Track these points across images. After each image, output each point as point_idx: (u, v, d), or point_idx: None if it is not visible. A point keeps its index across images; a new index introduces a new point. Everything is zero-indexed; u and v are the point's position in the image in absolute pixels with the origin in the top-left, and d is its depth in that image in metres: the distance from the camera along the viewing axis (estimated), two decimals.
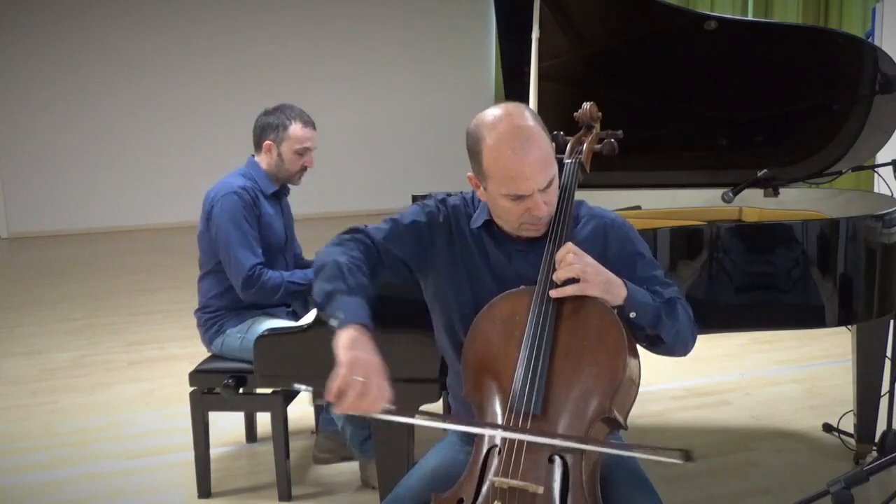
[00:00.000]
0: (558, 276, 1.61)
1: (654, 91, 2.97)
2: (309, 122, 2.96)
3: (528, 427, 1.54)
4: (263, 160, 2.96)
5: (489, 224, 1.78)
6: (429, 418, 1.60)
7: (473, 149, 1.67)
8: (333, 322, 1.57)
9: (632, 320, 1.63)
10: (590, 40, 2.94)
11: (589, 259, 1.62)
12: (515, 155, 1.60)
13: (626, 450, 1.54)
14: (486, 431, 1.59)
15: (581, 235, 1.76)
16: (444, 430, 2.02)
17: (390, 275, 1.80)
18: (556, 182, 1.68)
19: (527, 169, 1.60)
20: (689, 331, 1.73)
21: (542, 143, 1.63)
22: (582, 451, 1.53)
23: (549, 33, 2.69)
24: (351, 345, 1.52)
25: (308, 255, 3.03)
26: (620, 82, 2.95)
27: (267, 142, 2.92)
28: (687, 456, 1.44)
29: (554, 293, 1.61)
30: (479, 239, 1.79)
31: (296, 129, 2.92)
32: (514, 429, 1.54)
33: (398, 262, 1.78)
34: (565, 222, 1.72)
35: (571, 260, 1.59)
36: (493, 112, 1.66)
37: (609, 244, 1.76)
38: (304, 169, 2.98)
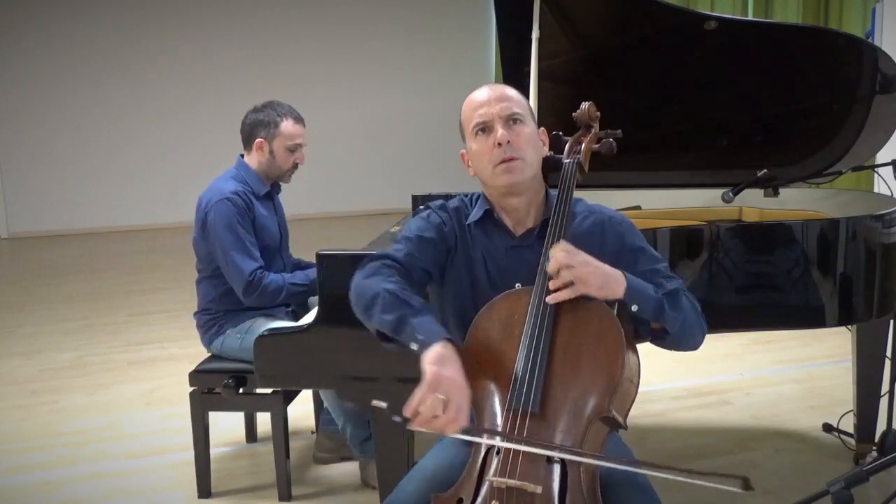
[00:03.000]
0: (553, 285, 1.61)
1: (655, 91, 2.96)
2: (299, 119, 2.94)
3: (526, 427, 1.54)
4: (254, 159, 2.93)
5: (487, 218, 1.79)
6: (500, 438, 1.56)
7: (460, 118, 1.80)
8: (413, 346, 1.56)
9: (634, 314, 1.62)
10: (590, 40, 2.94)
11: (582, 257, 1.61)
12: (479, 93, 1.77)
13: (684, 476, 1.48)
14: (494, 443, 1.56)
15: (579, 230, 1.76)
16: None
17: (421, 288, 1.80)
18: (526, 129, 1.74)
19: (484, 98, 1.74)
20: (697, 323, 1.72)
21: (508, 90, 1.76)
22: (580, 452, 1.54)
23: (549, 33, 2.69)
24: (437, 361, 1.51)
25: (308, 255, 3.03)
26: (620, 82, 2.95)
27: (258, 139, 2.90)
28: (746, 484, 1.39)
29: (550, 299, 1.61)
30: (477, 234, 1.80)
31: (287, 125, 2.90)
32: (520, 438, 1.53)
33: (424, 274, 1.78)
34: (563, 220, 1.72)
35: (562, 261, 1.58)
36: None
37: (607, 239, 1.76)
38: (295, 166, 2.96)
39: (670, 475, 1.47)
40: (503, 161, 1.71)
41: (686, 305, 1.69)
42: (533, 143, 1.74)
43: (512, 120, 1.72)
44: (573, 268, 1.59)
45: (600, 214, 1.81)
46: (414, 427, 1.49)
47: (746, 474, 1.41)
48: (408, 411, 1.48)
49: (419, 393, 1.48)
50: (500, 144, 1.70)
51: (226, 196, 2.82)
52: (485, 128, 1.73)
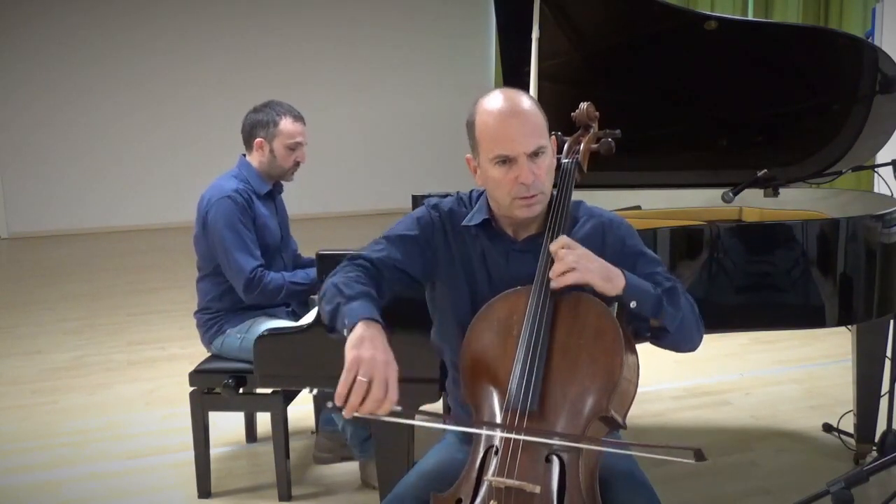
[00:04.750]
0: (554, 270, 1.60)
1: (655, 91, 2.97)
2: (299, 117, 2.95)
3: (524, 426, 1.55)
4: (255, 158, 2.94)
5: (486, 224, 1.78)
6: (430, 419, 1.58)
7: (469, 123, 1.73)
8: (345, 333, 1.56)
9: (633, 311, 1.63)
10: (590, 40, 2.94)
11: (583, 250, 1.61)
12: (502, 117, 1.67)
13: (638, 450, 1.53)
14: (487, 432, 1.59)
15: (579, 235, 1.75)
16: (444, 430, 2.01)
17: (398, 287, 1.79)
18: (548, 159, 1.69)
19: (511, 130, 1.65)
20: (694, 322, 1.72)
21: (532, 114, 1.67)
22: (579, 451, 1.54)
23: (549, 33, 2.69)
24: (356, 343, 1.51)
25: (308, 255, 3.03)
26: (620, 82, 2.95)
27: (258, 139, 2.90)
28: (699, 455, 1.42)
29: (555, 283, 1.60)
30: (476, 239, 1.79)
31: (286, 123, 2.90)
32: (513, 428, 1.54)
33: (400, 273, 1.77)
34: (562, 221, 1.72)
35: (564, 254, 1.59)
36: (490, 91, 1.74)
37: (608, 243, 1.76)
38: (296, 164, 2.96)
39: (624, 451, 1.54)
40: (524, 197, 1.68)
41: (684, 303, 1.70)
42: (551, 171, 1.71)
43: (534, 154, 1.66)
44: (576, 250, 1.60)
45: (600, 218, 1.81)
46: (348, 413, 1.47)
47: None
48: (337, 399, 1.47)
49: (341, 379, 1.47)
50: (524, 183, 1.66)
51: (227, 194, 2.82)
52: (507, 160, 1.66)
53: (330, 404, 1.50)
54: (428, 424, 1.58)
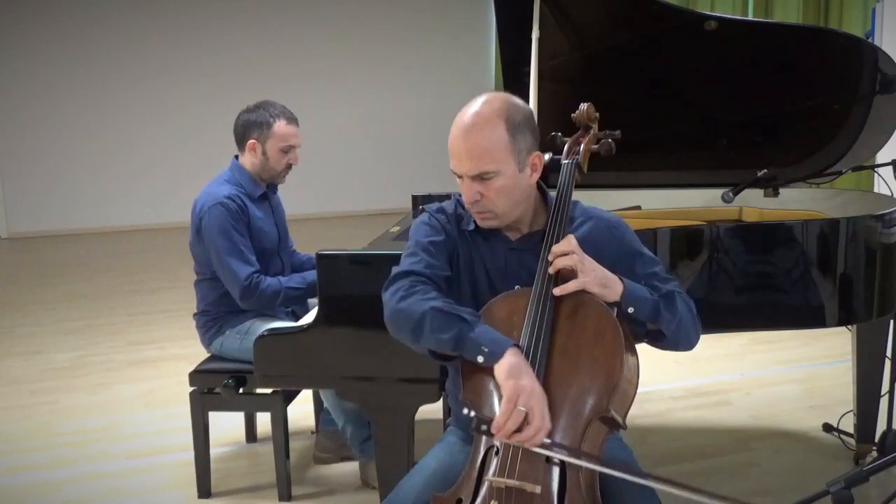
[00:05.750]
0: (556, 265, 1.61)
1: (655, 91, 2.96)
2: (293, 119, 2.91)
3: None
4: (247, 160, 2.90)
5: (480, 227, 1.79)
6: (586, 460, 1.55)
7: None
8: (479, 359, 1.56)
9: (630, 315, 1.63)
10: (590, 40, 2.94)
11: (581, 255, 1.62)
12: (455, 132, 1.67)
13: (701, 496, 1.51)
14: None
15: (577, 235, 1.75)
16: (444, 428, 2.01)
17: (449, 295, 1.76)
18: (500, 181, 1.66)
19: (457, 149, 1.67)
20: (692, 324, 1.73)
21: (488, 134, 1.64)
22: (579, 451, 1.54)
23: (549, 33, 2.69)
24: (513, 373, 1.52)
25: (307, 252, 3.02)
26: (621, 82, 2.95)
27: (251, 140, 2.87)
28: None
29: (557, 291, 1.61)
30: (474, 240, 1.79)
31: (280, 126, 2.86)
32: (550, 446, 1.52)
33: (445, 280, 1.75)
34: (562, 222, 1.72)
35: (566, 247, 1.61)
36: (478, 95, 1.71)
37: (606, 244, 1.76)
38: (289, 167, 2.93)
39: (687, 493, 1.50)
40: (477, 211, 1.71)
41: (681, 307, 1.70)
42: (507, 191, 1.68)
43: (480, 177, 1.66)
44: (577, 255, 1.60)
45: (598, 219, 1.81)
46: (499, 440, 1.51)
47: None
48: (495, 428, 1.49)
49: (503, 409, 1.49)
50: (466, 201, 1.69)
51: (219, 201, 2.79)
52: (457, 174, 1.69)
53: (485, 428, 1.52)
54: (580, 462, 1.55)
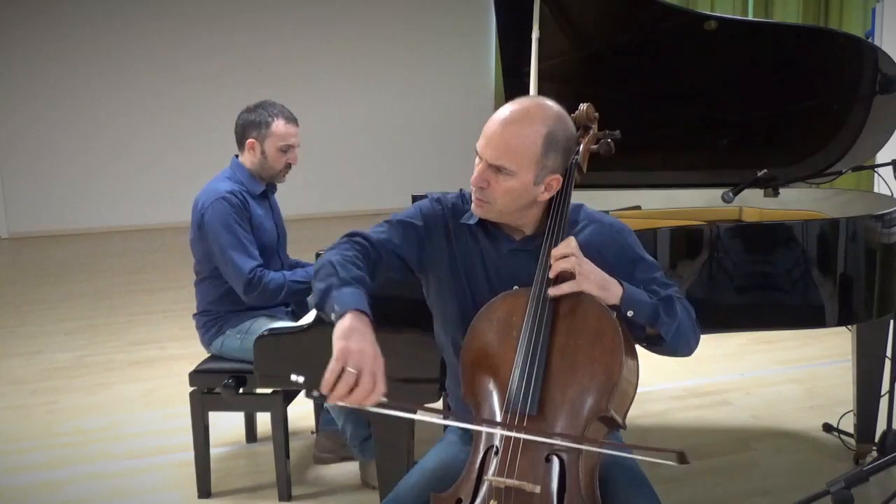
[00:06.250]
0: (555, 267, 1.61)
1: (655, 91, 2.96)
2: (291, 119, 2.93)
3: (524, 427, 1.55)
4: (247, 159, 2.92)
5: (484, 223, 1.79)
6: (424, 413, 1.58)
7: None
8: (332, 317, 1.56)
9: (629, 318, 1.64)
10: (590, 40, 2.94)
11: (581, 257, 1.63)
12: (495, 117, 1.68)
13: (623, 450, 1.54)
14: (480, 428, 1.59)
15: (579, 239, 1.75)
16: (444, 429, 2.02)
17: (392, 272, 1.79)
18: (511, 182, 1.66)
19: (489, 132, 1.67)
20: (691, 329, 1.73)
21: (526, 134, 1.65)
22: (579, 451, 1.54)
23: (549, 33, 2.69)
24: (345, 334, 1.50)
25: (308, 255, 3.03)
26: (621, 82, 2.95)
27: (250, 140, 2.88)
28: (682, 458, 1.44)
29: (553, 291, 1.61)
30: (475, 236, 1.79)
31: (279, 125, 2.88)
32: (511, 427, 1.54)
33: (396, 258, 1.77)
34: (561, 222, 1.72)
35: (566, 250, 1.61)
36: (536, 99, 1.75)
37: (607, 248, 1.76)
38: (288, 166, 2.94)
39: (610, 451, 1.55)
40: (476, 196, 1.72)
41: (680, 312, 1.70)
42: (513, 195, 1.68)
43: (496, 168, 1.66)
44: (577, 258, 1.60)
45: (601, 223, 1.81)
46: (332, 402, 1.48)
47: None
48: (324, 388, 1.47)
49: (329, 368, 1.47)
50: (472, 181, 1.70)
51: (221, 195, 2.81)
52: (477, 154, 1.69)
53: (316, 393, 1.49)
54: (422, 418, 1.57)
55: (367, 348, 1.50)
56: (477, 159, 1.69)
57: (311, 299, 1.69)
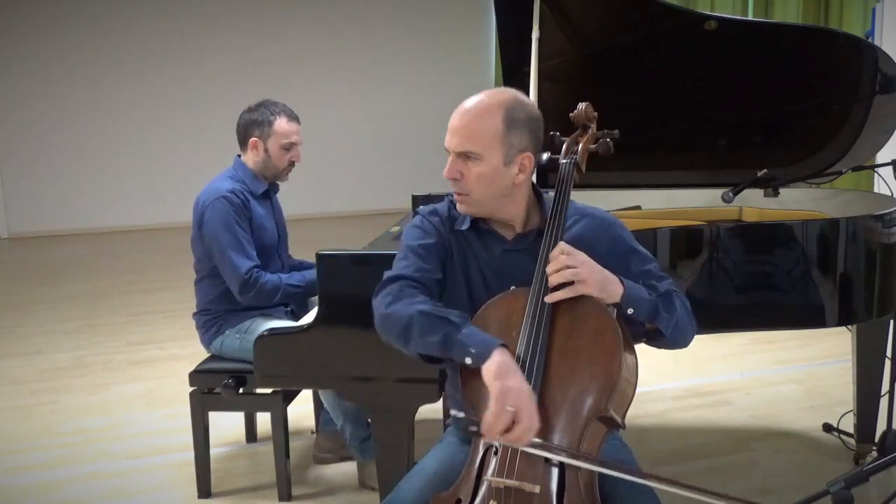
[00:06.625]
0: (552, 282, 1.61)
1: (655, 91, 2.96)
2: (293, 117, 2.93)
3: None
4: (250, 158, 2.92)
5: (475, 225, 1.79)
6: (584, 461, 1.54)
7: None
8: (468, 360, 1.55)
9: (629, 316, 1.64)
10: (590, 40, 2.94)
11: (582, 257, 1.62)
12: (455, 111, 1.71)
13: (699, 494, 1.52)
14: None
15: (570, 233, 1.76)
16: (444, 429, 2.02)
17: (440, 298, 1.77)
18: (480, 167, 1.67)
19: (450, 124, 1.70)
20: (688, 322, 1.74)
21: (484, 119, 1.67)
22: (577, 451, 1.54)
23: (549, 33, 2.69)
24: (501, 373, 1.50)
25: (308, 255, 3.03)
26: (620, 82, 2.95)
27: (252, 139, 2.89)
28: None
29: (548, 299, 1.61)
30: (469, 240, 1.79)
31: (281, 123, 2.89)
32: (550, 447, 1.52)
33: (436, 284, 1.75)
34: (560, 221, 1.71)
35: (564, 262, 1.60)
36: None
37: (599, 241, 1.76)
38: (291, 164, 2.95)
39: (688, 492, 1.50)
40: (456, 192, 1.73)
41: (678, 306, 1.71)
42: (486, 180, 1.69)
43: (464, 156, 1.68)
44: (575, 268, 1.60)
45: (592, 217, 1.81)
46: (487, 440, 1.51)
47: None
48: (484, 429, 1.49)
49: (492, 410, 1.48)
50: (445, 176, 1.71)
51: (222, 195, 2.81)
52: (448, 150, 1.71)
53: (474, 428, 1.52)
54: (577, 463, 1.55)
55: (524, 386, 1.51)
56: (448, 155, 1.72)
57: (413, 344, 1.66)
